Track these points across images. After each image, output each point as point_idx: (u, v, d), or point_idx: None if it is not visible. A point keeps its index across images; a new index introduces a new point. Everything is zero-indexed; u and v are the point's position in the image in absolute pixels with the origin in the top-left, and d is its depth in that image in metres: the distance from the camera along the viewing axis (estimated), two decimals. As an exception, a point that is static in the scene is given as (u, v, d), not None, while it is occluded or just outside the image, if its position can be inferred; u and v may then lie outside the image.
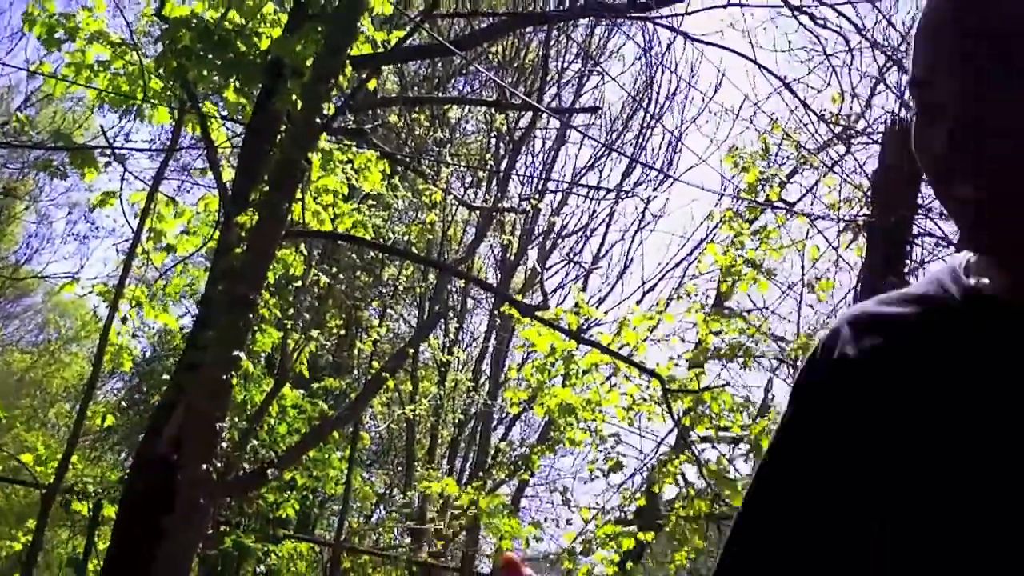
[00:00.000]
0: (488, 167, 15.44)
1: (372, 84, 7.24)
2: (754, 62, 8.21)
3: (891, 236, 6.75)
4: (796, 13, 7.85)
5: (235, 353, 5.21)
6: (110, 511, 8.09)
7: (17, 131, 11.51)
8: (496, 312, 15.25)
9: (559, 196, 17.28)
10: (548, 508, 14.80)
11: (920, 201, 6.81)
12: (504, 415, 17.10)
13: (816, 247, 8.65)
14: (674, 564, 9.66)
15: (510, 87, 13.58)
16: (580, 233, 17.32)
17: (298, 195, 5.99)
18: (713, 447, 8.60)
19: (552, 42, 15.85)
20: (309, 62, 5.55)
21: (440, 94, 14.37)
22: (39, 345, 23.65)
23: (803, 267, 8.82)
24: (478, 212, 14.01)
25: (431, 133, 13.37)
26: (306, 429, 8.86)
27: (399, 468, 15.99)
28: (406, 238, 12.57)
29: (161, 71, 6.12)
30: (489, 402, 15.85)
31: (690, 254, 15.69)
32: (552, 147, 17.16)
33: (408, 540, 12.92)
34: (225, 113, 7.23)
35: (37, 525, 7.29)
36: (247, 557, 9.65)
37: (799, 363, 1.06)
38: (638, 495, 9.69)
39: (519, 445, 15.88)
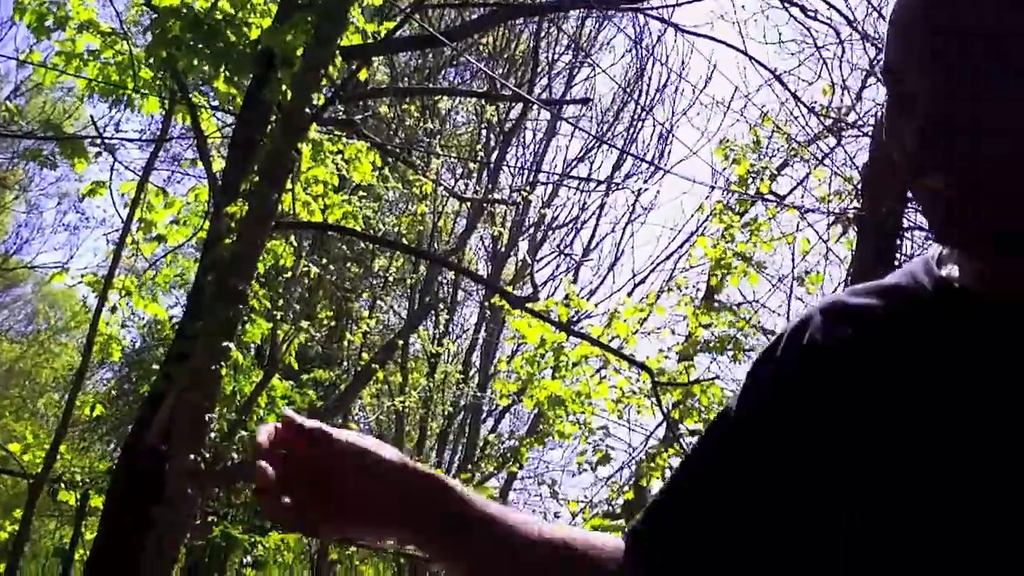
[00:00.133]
0: (479, 158, 15.44)
1: (363, 75, 7.23)
2: (745, 54, 8.22)
3: (881, 229, 6.77)
4: (787, 5, 7.87)
5: (225, 344, 5.21)
6: (97, 501, 8.08)
7: (7, 121, 11.45)
8: (486, 304, 15.25)
9: (550, 188, 17.30)
10: (536, 501, 14.85)
11: (910, 194, 6.81)
12: (493, 407, 17.12)
13: (806, 240, 8.67)
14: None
15: (500, 78, 13.57)
16: (571, 225, 17.35)
17: (288, 186, 5.97)
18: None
19: (543, 33, 15.84)
20: (299, 52, 5.54)
21: (430, 85, 14.34)
22: (28, 335, 23.61)
23: (793, 260, 8.86)
24: (469, 203, 13.99)
25: (421, 124, 13.35)
26: (295, 420, 8.84)
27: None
28: (396, 229, 12.56)
29: (151, 61, 6.09)
30: (478, 394, 15.86)
31: (681, 247, 15.73)
32: (543, 139, 17.18)
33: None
34: (215, 103, 7.21)
35: (24, 515, 7.27)
36: (235, 548, 9.65)
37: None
38: (626, 489, 9.72)
39: (508, 437, 15.89)
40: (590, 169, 18.01)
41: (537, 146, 17.29)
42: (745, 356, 8.64)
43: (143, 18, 7.33)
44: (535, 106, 14.74)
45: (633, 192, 16.75)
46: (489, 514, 0.99)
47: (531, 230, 17.11)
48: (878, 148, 6.86)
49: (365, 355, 11.37)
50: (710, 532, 0.98)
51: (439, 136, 14.74)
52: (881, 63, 0.91)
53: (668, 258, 16.17)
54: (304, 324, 9.30)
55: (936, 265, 0.94)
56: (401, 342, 12.60)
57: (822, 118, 8.45)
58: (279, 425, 0.97)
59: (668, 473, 8.77)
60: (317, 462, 0.95)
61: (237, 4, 5.97)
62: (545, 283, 16.92)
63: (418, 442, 15.49)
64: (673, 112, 16.98)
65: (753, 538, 0.96)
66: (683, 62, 19.34)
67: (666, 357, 8.54)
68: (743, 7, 17.48)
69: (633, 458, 9.87)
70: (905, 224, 7.00)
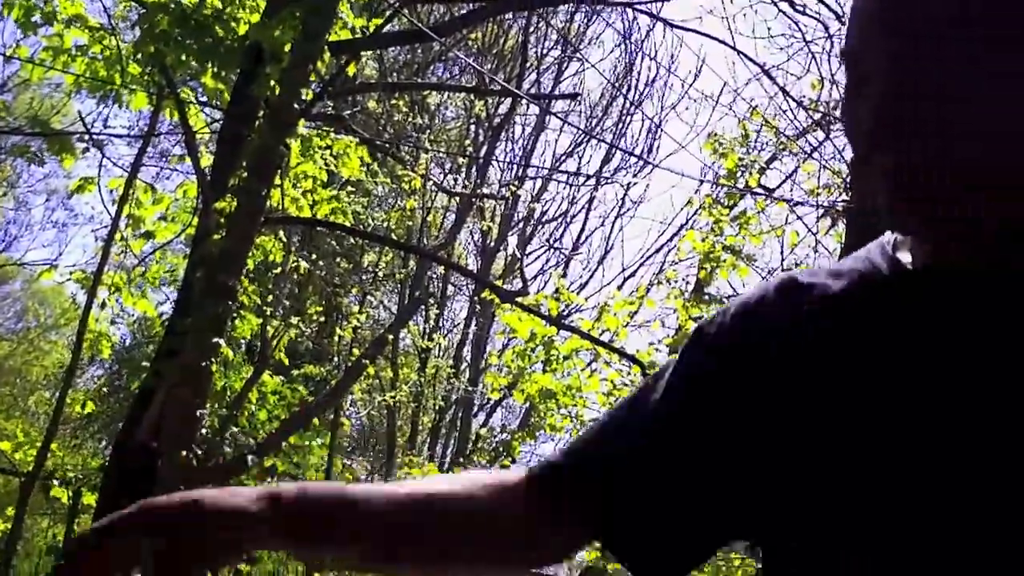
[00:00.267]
0: (468, 153, 15.43)
1: (351, 70, 7.22)
2: (733, 49, 8.24)
3: (870, 222, 6.78)
4: (776, 0, 7.87)
5: (214, 340, 5.20)
6: (90, 499, 8.07)
7: (-7, 117, 11.41)
8: (476, 298, 15.26)
9: (539, 182, 17.33)
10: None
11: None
12: (485, 401, 17.15)
13: (795, 233, 8.70)
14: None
15: (489, 73, 13.56)
16: (560, 219, 17.37)
17: (277, 181, 5.97)
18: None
19: (532, 28, 15.83)
20: (287, 48, 5.53)
21: (419, 80, 14.33)
22: (18, 333, 23.51)
23: (783, 253, 8.89)
24: (458, 198, 13.99)
25: (410, 119, 13.34)
26: (286, 416, 8.85)
27: (380, 455, 16.00)
28: (386, 224, 12.56)
29: (139, 56, 6.08)
30: (470, 388, 15.88)
31: (670, 240, 15.78)
32: (532, 133, 17.20)
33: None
34: (203, 99, 7.19)
35: (16, 513, 7.26)
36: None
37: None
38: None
39: (500, 431, 15.93)
40: (579, 163, 18.06)
41: (526, 141, 17.33)
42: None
43: (131, 13, 7.30)
44: (524, 101, 14.74)
45: (622, 186, 16.80)
46: (340, 492, 0.97)
47: (520, 224, 17.13)
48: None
49: (356, 350, 11.36)
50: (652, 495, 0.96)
51: (428, 131, 14.72)
52: (841, 49, 0.91)
53: (658, 251, 16.24)
54: (294, 320, 9.29)
55: (891, 249, 0.93)
56: (391, 337, 12.58)
57: (811, 112, 8.47)
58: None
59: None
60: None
61: (225, -1, 5.97)
62: (535, 277, 16.95)
63: (410, 437, 15.51)
64: (662, 106, 17.00)
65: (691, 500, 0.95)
66: (672, 57, 19.41)
67: (656, 350, 8.56)
68: (732, 2, 17.50)
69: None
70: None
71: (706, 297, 9.48)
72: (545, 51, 16.83)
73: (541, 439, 12.59)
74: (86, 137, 7.39)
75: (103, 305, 7.79)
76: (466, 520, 0.99)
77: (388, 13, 7.02)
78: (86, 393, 13.29)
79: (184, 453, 5.03)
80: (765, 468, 0.89)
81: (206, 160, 6.71)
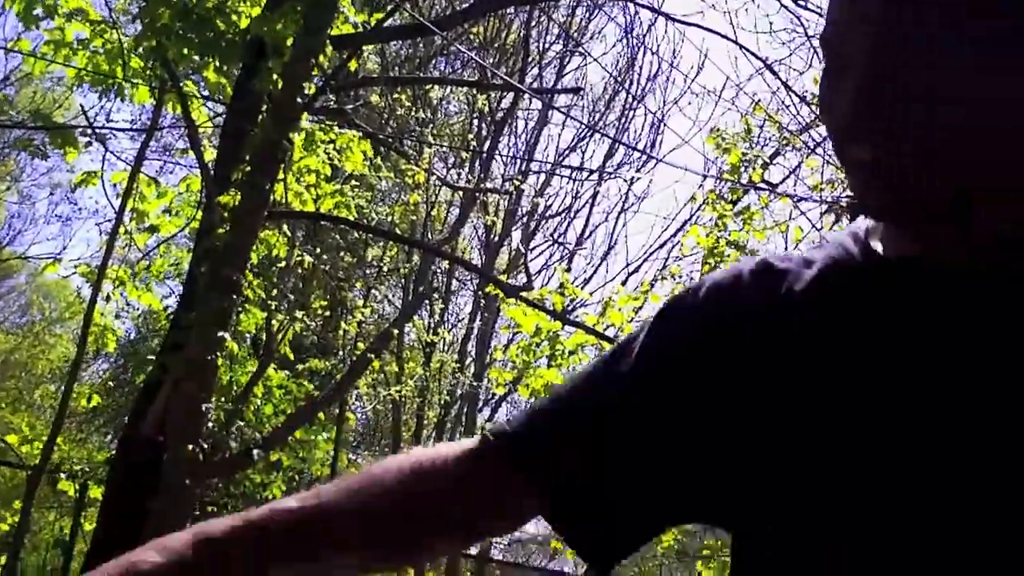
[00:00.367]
0: (471, 147, 15.42)
1: (353, 64, 7.22)
2: (736, 43, 8.24)
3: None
4: (778, -8, 7.86)
5: (219, 334, 5.21)
6: (96, 492, 8.10)
7: (-3, 111, 11.43)
8: (481, 293, 15.26)
9: (542, 177, 17.32)
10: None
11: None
12: (490, 396, 17.16)
13: (799, 228, 8.67)
14: (662, 545, 9.73)
15: (492, 67, 13.55)
16: (564, 214, 17.37)
17: (280, 175, 5.98)
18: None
19: (534, 22, 15.82)
20: (289, 41, 5.53)
21: (422, 74, 14.33)
22: (23, 326, 23.57)
23: (787, 248, 8.86)
24: (461, 193, 13.99)
25: (413, 113, 13.33)
26: (292, 410, 8.87)
27: (385, 449, 16.02)
28: (390, 219, 12.56)
29: (141, 50, 6.09)
30: (475, 383, 15.88)
31: (674, 235, 15.77)
32: (535, 128, 17.18)
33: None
34: (206, 93, 7.20)
35: (23, 507, 7.28)
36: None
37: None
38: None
39: (504, 425, 15.87)
40: (582, 158, 18.04)
41: (529, 135, 17.31)
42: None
43: (132, 7, 7.31)
44: (527, 95, 14.73)
45: (626, 181, 16.79)
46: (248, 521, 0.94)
47: (524, 219, 17.12)
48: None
49: (360, 345, 11.36)
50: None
51: (431, 125, 14.72)
52: (820, 34, 0.90)
53: (661, 247, 16.23)
54: (299, 314, 9.31)
55: (864, 236, 0.92)
56: (396, 331, 12.60)
57: (813, 107, 8.45)
58: None
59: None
60: None
61: (227, -7, 5.97)
62: (539, 272, 16.96)
63: (415, 431, 15.52)
64: (665, 101, 17.08)
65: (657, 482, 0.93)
66: (674, 51, 19.44)
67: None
68: (734, -6, 17.46)
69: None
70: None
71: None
72: (547, 45, 16.83)
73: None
74: (89, 131, 7.40)
75: (108, 299, 7.80)
76: (410, 502, 0.96)
77: (390, 7, 7.02)
78: (92, 387, 13.33)
79: (190, 447, 5.05)
80: (737, 451, 0.88)
81: (209, 154, 6.72)
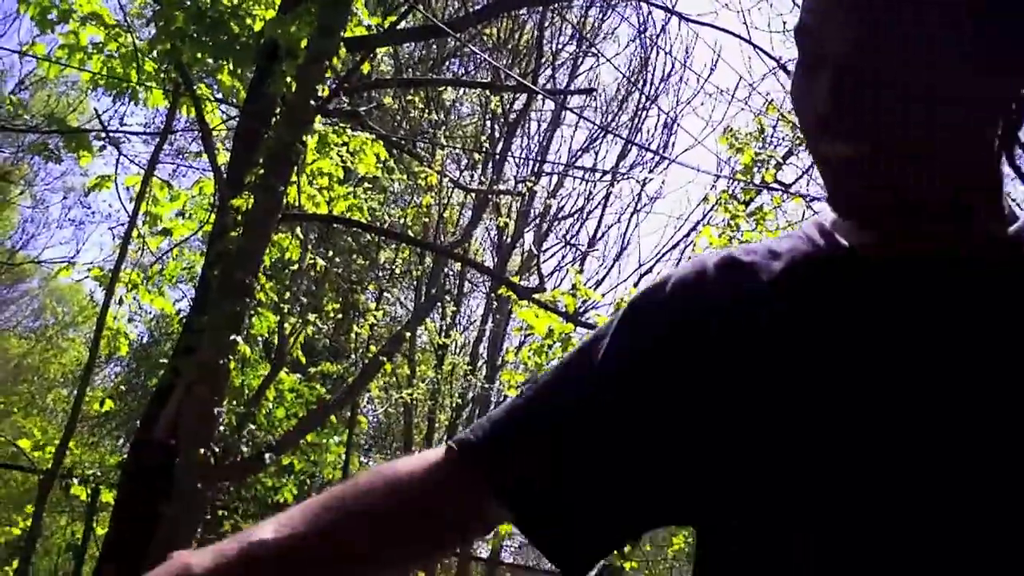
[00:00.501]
0: (484, 149, 15.41)
1: (366, 66, 7.20)
2: (749, 43, 8.20)
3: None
4: (793, -8, 7.81)
5: (232, 337, 5.20)
6: (108, 497, 8.10)
7: (11, 115, 11.46)
8: (493, 295, 15.24)
9: (555, 178, 17.28)
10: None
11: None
12: (502, 399, 17.11)
13: (813, 228, 8.63)
14: (672, 548, 9.69)
15: (505, 69, 13.53)
16: (576, 215, 17.32)
17: (293, 178, 5.96)
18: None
19: (547, 23, 15.80)
20: (303, 44, 5.52)
21: (435, 76, 14.31)
22: (36, 331, 23.64)
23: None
24: (474, 194, 13.97)
25: (426, 115, 13.33)
26: (304, 413, 8.86)
27: (397, 452, 16.01)
28: (402, 221, 12.55)
29: (155, 53, 6.08)
30: (487, 385, 15.86)
31: (686, 236, 15.71)
32: (547, 129, 17.14)
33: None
34: (220, 96, 7.19)
35: (35, 511, 7.28)
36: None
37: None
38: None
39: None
40: (595, 159, 18.00)
41: (542, 136, 17.28)
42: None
43: (146, 10, 7.31)
44: (540, 96, 14.71)
45: (638, 182, 16.73)
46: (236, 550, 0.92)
47: (537, 221, 17.09)
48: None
49: (372, 347, 11.36)
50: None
51: (444, 127, 14.71)
52: (796, 25, 0.89)
53: (674, 247, 16.16)
54: (311, 317, 9.30)
55: (832, 228, 0.92)
56: (408, 334, 12.60)
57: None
58: None
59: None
60: None
61: (240, -5, 5.96)
62: (551, 274, 16.92)
63: (427, 434, 15.51)
64: (678, 101, 17.01)
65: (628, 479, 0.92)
66: (687, 51, 19.37)
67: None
68: (747, -6, 17.43)
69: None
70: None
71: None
72: (560, 46, 16.80)
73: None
74: (103, 135, 7.41)
75: (121, 302, 7.80)
76: (381, 516, 0.95)
77: (403, 8, 7.00)
78: (104, 391, 13.36)
79: (202, 451, 5.03)
80: (705, 446, 0.88)
81: (223, 157, 6.71)
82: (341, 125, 7.36)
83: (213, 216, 6.70)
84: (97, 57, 6.67)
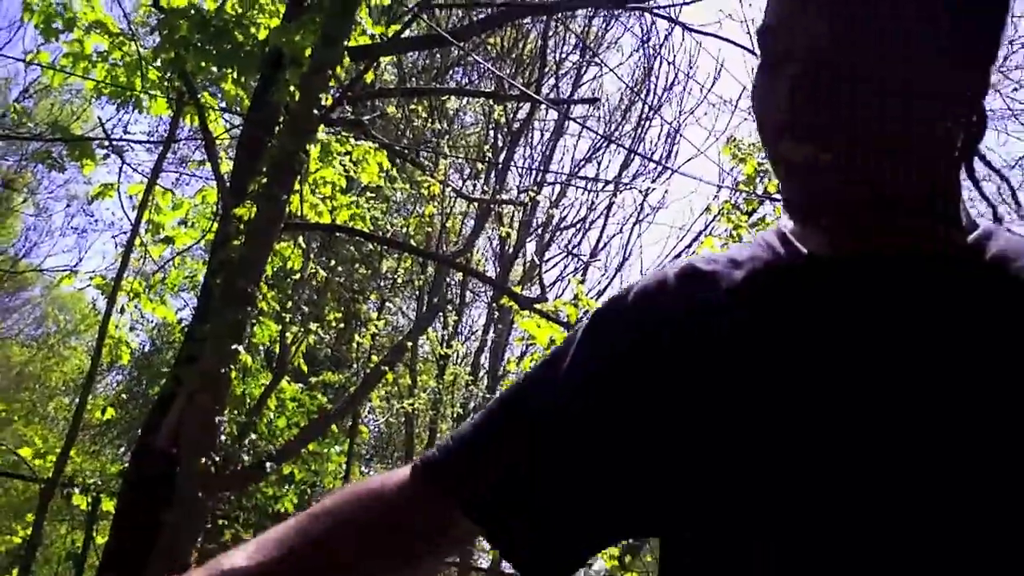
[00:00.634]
0: (486, 159, 15.41)
1: (370, 76, 7.21)
2: (752, 53, 8.18)
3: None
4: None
5: (233, 346, 5.19)
6: (109, 505, 8.08)
7: (15, 123, 11.48)
8: (495, 305, 15.23)
9: (557, 188, 17.28)
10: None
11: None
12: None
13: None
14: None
15: (508, 78, 13.55)
16: (579, 225, 17.31)
17: (296, 187, 5.96)
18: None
19: (550, 33, 15.82)
20: (307, 52, 5.52)
21: (438, 85, 14.33)
22: (38, 339, 23.64)
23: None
24: (476, 204, 13.97)
25: (429, 124, 13.33)
26: (305, 423, 8.85)
27: (398, 462, 15.99)
28: (404, 230, 12.54)
29: (158, 62, 6.09)
30: (488, 396, 15.83)
31: (689, 246, 15.69)
32: (550, 139, 17.15)
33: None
34: (223, 104, 7.20)
35: (36, 519, 7.26)
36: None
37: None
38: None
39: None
40: (598, 169, 17.99)
41: (545, 146, 17.28)
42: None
43: (151, 18, 7.33)
44: (543, 106, 14.72)
45: (641, 192, 16.72)
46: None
47: (539, 230, 17.08)
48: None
49: (374, 357, 11.34)
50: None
51: (447, 136, 14.72)
52: (759, 26, 0.88)
53: (676, 258, 16.15)
54: (313, 326, 9.29)
55: (791, 235, 0.92)
56: (410, 344, 12.58)
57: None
58: None
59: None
60: None
61: (245, 3, 5.97)
62: (553, 284, 16.91)
63: (428, 444, 15.48)
64: (681, 111, 17.01)
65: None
66: (691, 61, 19.38)
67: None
68: (750, 5, 17.48)
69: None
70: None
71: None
72: (564, 56, 16.82)
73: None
74: (106, 143, 7.41)
75: (123, 311, 7.79)
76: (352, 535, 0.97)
77: (407, 18, 7.01)
78: (106, 399, 13.34)
79: (203, 460, 5.02)
80: (665, 456, 0.87)
81: (226, 166, 6.71)
82: (344, 134, 7.36)
83: (216, 225, 6.70)
84: (101, 65, 6.68)
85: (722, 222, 9.17)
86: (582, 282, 14.99)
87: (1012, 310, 0.81)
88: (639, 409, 0.89)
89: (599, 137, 16.41)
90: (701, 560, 0.84)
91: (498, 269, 16.62)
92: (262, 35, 5.93)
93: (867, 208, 0.85)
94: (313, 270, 8.57)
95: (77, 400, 9.56)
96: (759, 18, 0.89)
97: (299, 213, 6.43)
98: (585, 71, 17.20)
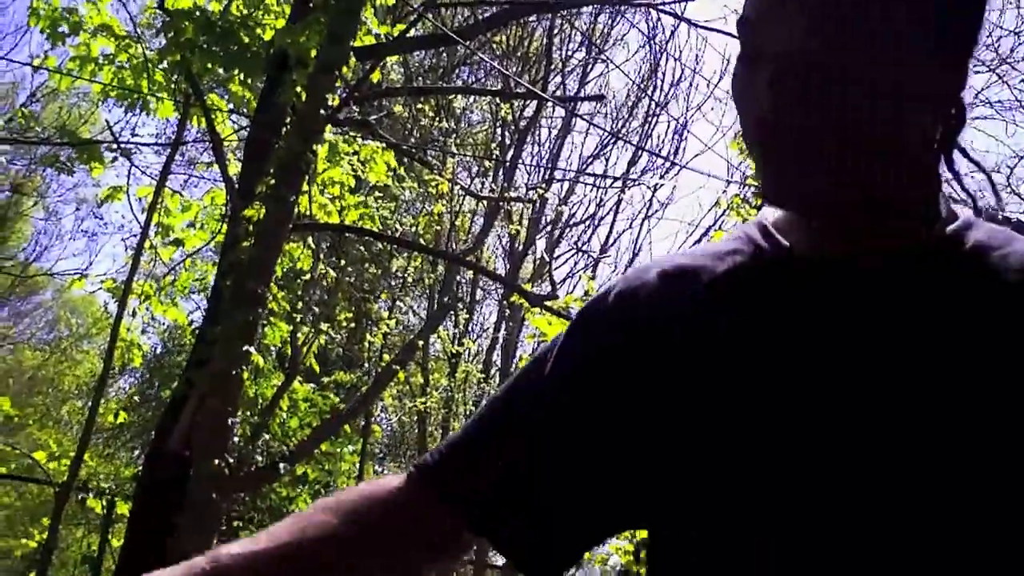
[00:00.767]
0: (494, 157, 15.40)
1: (376, 75, 7.20)
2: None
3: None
4: None
5: (245, 348, 5.19)
6: (124, 508, 8.10)
7: (23, 127, 11.51)
8: (506, 302, 15.22)
9: (566, 185, 17.27)
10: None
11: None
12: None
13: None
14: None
15: (515, 76, 13.53)
16: (588, 222, 17.29)
17: (304, 188, 5.95)
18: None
19: (556, 30, 15.80)
20: (313, 53, 5.52)
21: (445, 84, 14.32)
22: (50, 343, 23.69)
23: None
24: (485, 202, 13.97)
25: (436, 123, 13.33)
26: (317, 423, 8.85)
27: (411, 460, 15.96)
28: (414, 229, 12.55)
29: (165, 64, 6.10)
30: (500, 393, 15.83)
31: (698, 241, 15.66)
32: (558, 136, 17.13)
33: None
34: (230, 106, 7.20)
35: (51, 523, 7.29)
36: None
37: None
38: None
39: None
40: (606, 165, 17.99)
41: (552, 143, 17.27)
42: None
43: (156, 21, 7.33)
44: (550, 103, 14.70)
45: (649, 188, 16.70)
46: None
47: (548, 228, 17.08)
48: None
49: (386, 356, 11.36)
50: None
51: (454, 135, 14.71)
52: (739, 18, 0.87)
53: (687, 253, 16.12)
54: (324, 326, 9.29)
55: (773, 228, 0.91)
56: (421, 342, 12.58)
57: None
58: None
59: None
60: None
61: (251, 4, 5.96)
62: (563, 280, 16.89)
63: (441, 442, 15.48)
64: (688, 107, 16.96)
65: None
66: (697, 57, 19.35)
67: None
68: None
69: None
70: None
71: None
72: (570, 53, 16.80)
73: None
74: (114, 146, 7.42)
75: (134, 314, 7.81)
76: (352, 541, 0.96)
77: (413, 17, 7.00)
78: (118, 402, 13.37)
79: (216, 461, 5.02)
80: (657, 453, 0.87)
81: (234, 167, 6.71)
82: (352, 134, 7.36)
83: (225, 226, 6.70)
84: (108, 68, 6.69)
85: (731, 216, 9.14)
86: (592, 278, 14.96)
87: (991, 300, 0.81)
88: (624, 406, 0.89)
89: (607, 134, 16.40)
90: (707, 557, 0.84)
91: (508, 266, 16.62)
92: (268, 36, 5.92)
93: (858, 210, 0.85)
94: (323, 270, 8.56)
95: (90, 403, 9.59)
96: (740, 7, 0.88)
97: (308, 213, 6.43)
98: (591, 68, 17.20)
